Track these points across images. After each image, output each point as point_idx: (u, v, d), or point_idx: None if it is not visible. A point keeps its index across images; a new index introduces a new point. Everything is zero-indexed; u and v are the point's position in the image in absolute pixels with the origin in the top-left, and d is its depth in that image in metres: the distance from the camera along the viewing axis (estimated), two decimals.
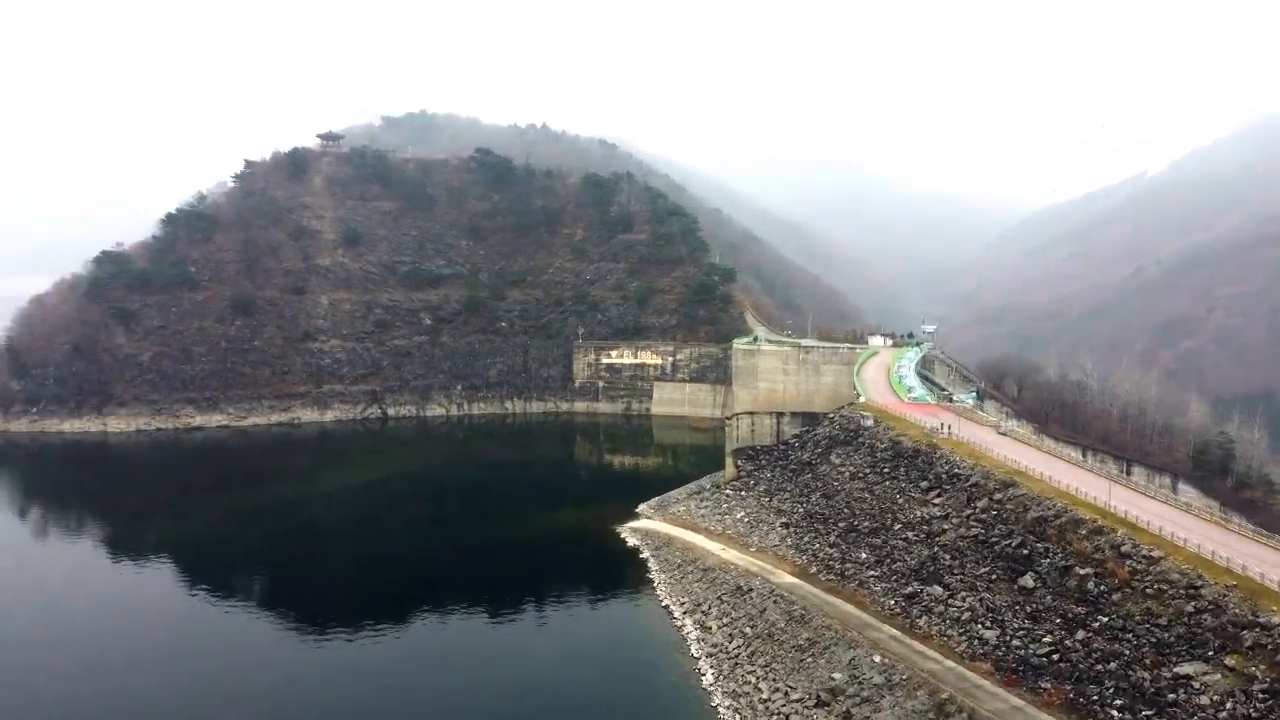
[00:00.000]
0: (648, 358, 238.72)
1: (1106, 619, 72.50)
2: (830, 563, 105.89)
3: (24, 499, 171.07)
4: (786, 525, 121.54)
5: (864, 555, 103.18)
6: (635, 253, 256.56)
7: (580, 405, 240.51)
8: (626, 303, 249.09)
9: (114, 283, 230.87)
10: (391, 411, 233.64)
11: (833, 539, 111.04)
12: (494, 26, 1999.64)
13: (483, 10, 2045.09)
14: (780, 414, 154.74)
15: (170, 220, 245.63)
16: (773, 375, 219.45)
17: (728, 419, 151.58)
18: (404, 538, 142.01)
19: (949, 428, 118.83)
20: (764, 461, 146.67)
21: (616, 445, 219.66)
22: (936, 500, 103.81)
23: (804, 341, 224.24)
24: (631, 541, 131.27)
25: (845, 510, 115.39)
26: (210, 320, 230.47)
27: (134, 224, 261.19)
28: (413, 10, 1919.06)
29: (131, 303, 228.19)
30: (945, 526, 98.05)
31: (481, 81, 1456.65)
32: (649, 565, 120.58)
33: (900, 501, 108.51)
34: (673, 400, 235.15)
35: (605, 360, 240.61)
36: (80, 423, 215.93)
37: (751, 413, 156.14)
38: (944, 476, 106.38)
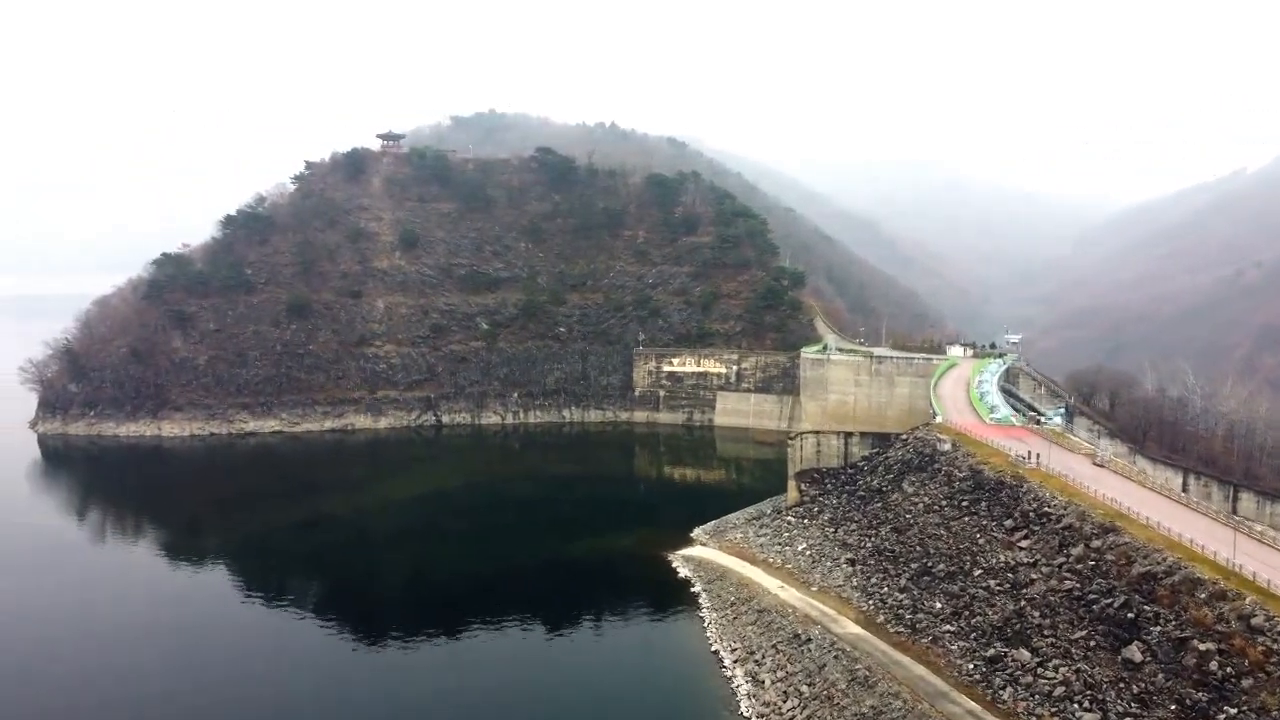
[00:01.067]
0: (711, 366, 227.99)
1: (1235, 711, 60.06)
2: (900, 611, 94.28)
3: (82, 502, 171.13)
4: (852, 562, 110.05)
5: (939, 605, 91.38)
6: (700, 256, 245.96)
7: (640, 415, 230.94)
8: (690, 308, 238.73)
9: (172, 285, 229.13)
10: (446, 419, 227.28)
11: (903, 582, 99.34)
12: (568, 26, 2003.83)
13: (558, 9, 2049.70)
14: (848, 434, 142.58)
15: (229, 222, 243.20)
16: (843, 386, 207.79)
17: (791, 439, 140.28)
18: (445, 558, 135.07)
19: (1037, 456, 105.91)
20: (830, 486, 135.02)
21: (677, 458, 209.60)
22: (1023, 543, 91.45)
23: (877, 351, 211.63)
24: (684, 572, 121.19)
25: (918, 548, 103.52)
26: (265, 324, 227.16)
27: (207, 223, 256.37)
28: (487, 11, 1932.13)
29: (188, 305, 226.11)
30: (1033, 576, 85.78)
31: (555, 82, 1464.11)
32: (700, 601, 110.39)
33: (981, 542, 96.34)
34: (737, 411, 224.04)
35: (667, 368, 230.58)
36: (136, 426, 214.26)
37: (817, 432, 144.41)
38: (1032, 515, 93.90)
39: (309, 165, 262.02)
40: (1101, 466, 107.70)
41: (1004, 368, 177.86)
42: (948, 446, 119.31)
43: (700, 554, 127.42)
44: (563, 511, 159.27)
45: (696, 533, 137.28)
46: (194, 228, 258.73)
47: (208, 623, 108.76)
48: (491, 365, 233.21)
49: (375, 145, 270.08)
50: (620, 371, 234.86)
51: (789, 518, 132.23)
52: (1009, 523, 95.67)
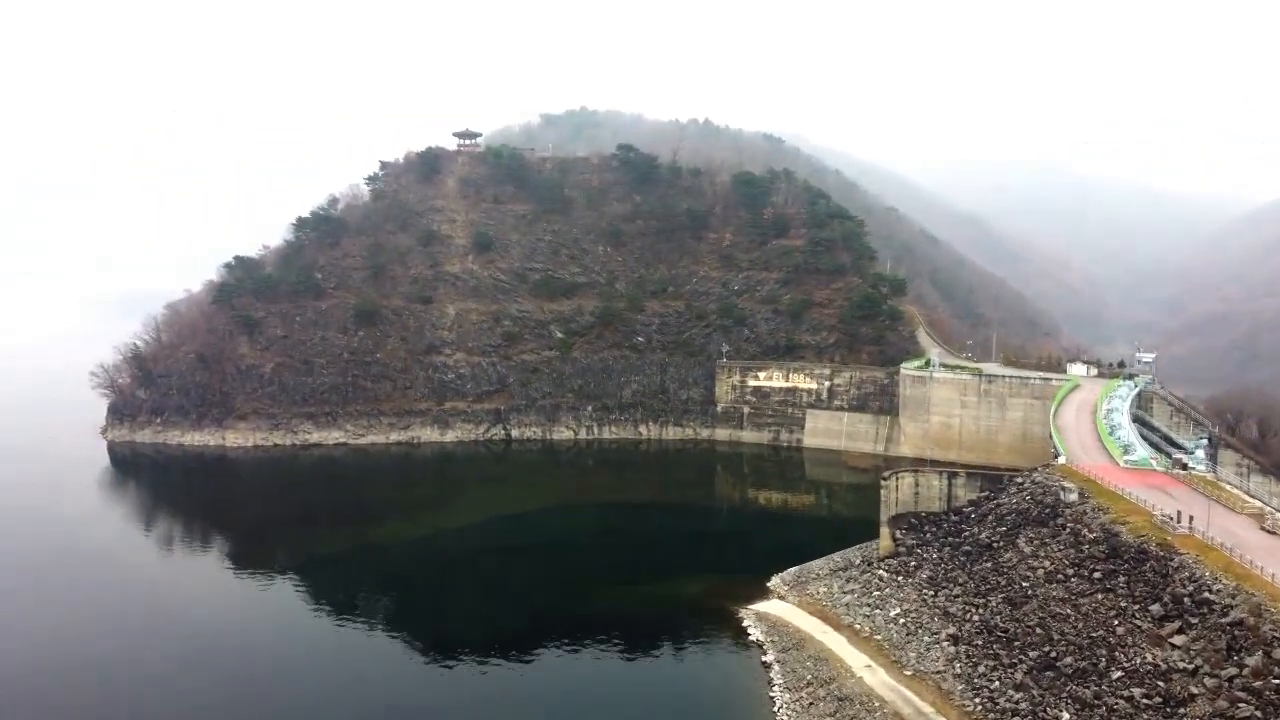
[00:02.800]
0: (801, 381, 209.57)
1: None
2: (1016, 718, 75.97)
3: (148, 514, 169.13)
4: (955, 640, 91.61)
5: (1065, 716, 72.79)
6: (790, 260, 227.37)
7: (722, 433, 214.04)
8: (778, 317, 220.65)
9: (241, 289, 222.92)
10: (516, 433, 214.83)
11: (1019, 676, 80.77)
12: (665, 19, 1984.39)
13: (655, 2, 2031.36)
14: (953, 473, 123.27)
15: (301, 224, 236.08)
16: (947, 408, 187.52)
17: (885, 478, 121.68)
18: (490, 603, 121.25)
19: (1190, 519, 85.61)
20: (929, 535, 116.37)
21: (760, 482, 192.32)
22: (1177, 639, 72.12)
23: (986, 368, 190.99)
24: (755, 633, 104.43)
25: (1038, 630, 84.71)
26: (333, 330, 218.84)
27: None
28: (579, 6, 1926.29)
29: (256, 311, 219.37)
30: (1193, 690, 66.67)
31: (651, 78, 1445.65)
32: (773, 675, 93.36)
33: (1120, 631, 77.21)
34: (828, 431, 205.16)
35: (752, 383, 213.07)
36: (201, 435, 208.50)
37: (915, 470, 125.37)
38: (1187, 601, 74.38)
39: (384, 166, 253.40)
40: (1274, 534, 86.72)
41: (1135, 391, 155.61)
42: (1074, 496, 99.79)
43: (776, 611, 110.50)
44: (630, 548, 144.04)
45: (775, 582, 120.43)
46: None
47: (269, 638, 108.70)
48: (565, 376, 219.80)
49: (452, 145, 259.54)
50: (702, 385, 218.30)
51: (881, 571, 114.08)
52: (1156, 608, 76.26)
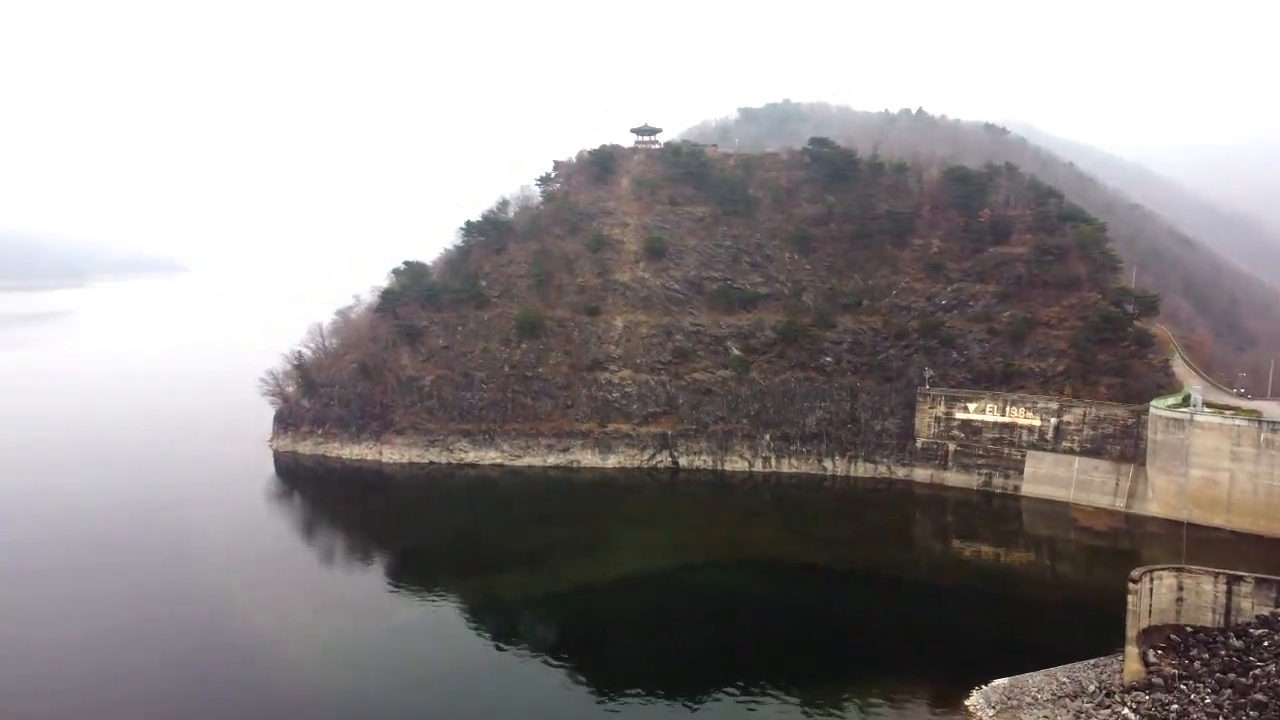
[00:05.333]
0: (1020, 416, 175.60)
1: None
2: None
3: (307, 528, 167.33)
4: None
5: None
6: (1011, 271, 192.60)
7: (922, 473, 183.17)
8: (995, 339, 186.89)
9: (406, 296, 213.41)
10: (684, 461, 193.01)
11: None
12: (878, 6, 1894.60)
13: None
14: (1234, 577, 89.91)
15: (470, 229, 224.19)
16: (1213, 459, 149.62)
17: (1132, 580, 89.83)
18: (607, 685, 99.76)
19: None
20: (1198, 665, 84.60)
21: (967, 535, 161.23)
22: None
23: (1266, 409, 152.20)
24: None
25: None
26: (495, 341, 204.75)
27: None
28: None
29: (420, 319, 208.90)
30: None
31: (859, 66, 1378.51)
32: None
33: None
34: (1053, 478, 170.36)
35: (960, 415, 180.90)
36: (359, 449, 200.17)
37: (1176, 569, 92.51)
38: None
39: (557, 165, 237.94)
40: None
41: None
42: None
43: None
44: (792, 628, 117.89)
45: (975, 701, 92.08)
46: None
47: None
48: (741, 399, 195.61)
49: (629, 142, 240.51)
50: (899, 415, 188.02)
51: (1125, 711, 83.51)
52: None
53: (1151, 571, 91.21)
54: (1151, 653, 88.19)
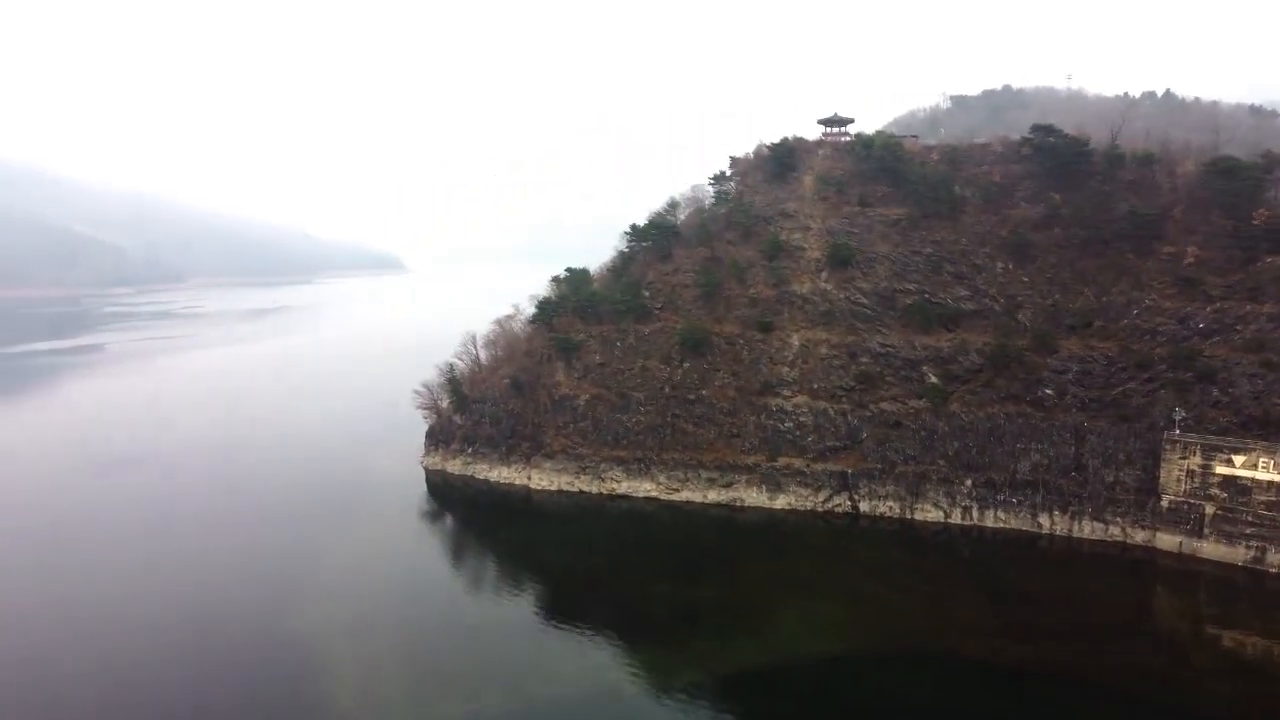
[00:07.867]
0: None
1: None
2: None
3: (459, 548, 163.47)
4: None
5: None
6: None
7: (1167, 539, 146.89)
8: (1272, 374, 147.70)
9: (564, 307, 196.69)
10: (865, 506, 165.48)
11: None
12: None
13: None
14: None
15: (635, 233, 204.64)
16: None
17: None
18: None
19: None
20: None
21: (1229, 624, 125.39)
22: None
23: None
24: None
25: None
26: (656, 359, 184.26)
27: None
28: None
29: (577, 332, 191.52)
30: None
31: (1092, 45, 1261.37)
32: None
33: None
34: None
35: (1222, 470, 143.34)
36: (507, 471, 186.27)
37: None
38: None
39: (733, 162, 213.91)
40: None
41: None
42: None
43: None
44: None
45: None
46: None
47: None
48: (937, 436, 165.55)
49: (815, 134, 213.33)
50: (1138, 465, 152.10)
51: None
52: None
53: None
54: None
